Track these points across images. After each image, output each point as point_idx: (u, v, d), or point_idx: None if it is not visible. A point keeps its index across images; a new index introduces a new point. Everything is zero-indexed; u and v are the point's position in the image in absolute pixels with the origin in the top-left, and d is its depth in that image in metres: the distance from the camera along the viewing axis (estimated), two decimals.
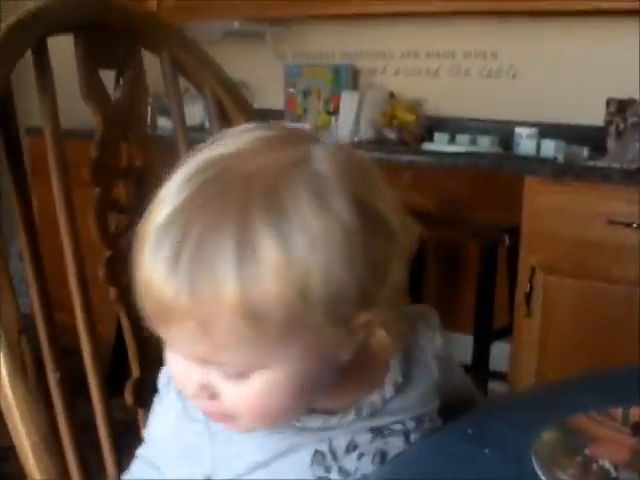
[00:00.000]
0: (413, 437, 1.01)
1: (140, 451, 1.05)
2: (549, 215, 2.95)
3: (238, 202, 0.80)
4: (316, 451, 0.98)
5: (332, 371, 0.92)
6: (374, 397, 0.99)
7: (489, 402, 1.31)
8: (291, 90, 4.12)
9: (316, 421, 0.97)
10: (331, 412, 0.98)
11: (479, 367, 3.25)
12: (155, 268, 0.81)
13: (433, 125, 3.80)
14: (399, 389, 1.00)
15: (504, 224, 3.22)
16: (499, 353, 3.34)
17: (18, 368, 1.02)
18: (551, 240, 2.95)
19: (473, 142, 3.59)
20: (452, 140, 3.64)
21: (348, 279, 0.82)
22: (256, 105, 3.33)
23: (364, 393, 0.99)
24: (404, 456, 0.96)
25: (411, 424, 1.01)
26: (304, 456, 0.98)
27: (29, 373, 1.03)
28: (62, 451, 1.09)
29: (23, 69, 1.14)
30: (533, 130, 3.49)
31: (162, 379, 1.03)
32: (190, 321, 0.81)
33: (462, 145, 3.55)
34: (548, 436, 0.93)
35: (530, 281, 2.99)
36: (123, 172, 1.23)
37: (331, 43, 4.13)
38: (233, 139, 0.88)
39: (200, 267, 0.80)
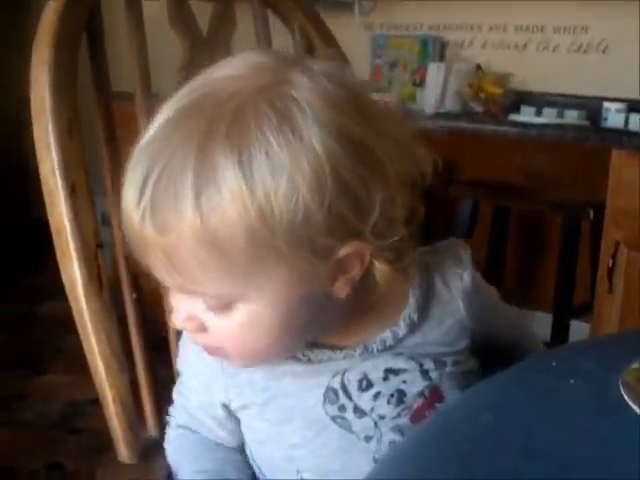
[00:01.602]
0: (433, 375, 0.99)
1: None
2: (635, 190, 2.88)
3: (203, 128, 0.80)
4: (328, 388, 0.97)
5: (330, 308, 0.91)
6: (386, 334, 0.98)
7: (573, 342, 1.27)
8: (377, 61, 4.09)
9: (321, 355, 0.97)
10: (338, 348, 0.97)
11: (558, 345, 3.20)
12: (128, 195, 0.83)
13: (520, 99, 3.74)
14: (415, 327, 0.99)
15: (589, 198, 3.15)
16: (578, 331, 3.29)
17: (94, 281, 1.03)
18: (636, 215, 2.89)
19: (560, 115, 3.53)
20: (539, 113, 3.59)
21: (317, 207, 0.80)
22: None
23: (377, 330, 0.98)
24: (481, 385, 0.93)
25: (429, 364, 0.99)
26: (315, 391, 0.98)
27: (104, 287, 1.04)
28: (133, 369, 1.11)
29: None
30: (622, 105, 3.43)
31: None
32: (158, 251, 0.82)
33: (548, 117, 3.49)
34: (638, 365, 0.91)
35: (613, 257, 2.93)
36: None
37: (418, 15, 4.08)
38: (229, 64, 0.88)
39: (161, 195, 0.80)
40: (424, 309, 1.00)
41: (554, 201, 3.35)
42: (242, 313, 0.86)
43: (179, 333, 1.04)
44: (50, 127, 1.01)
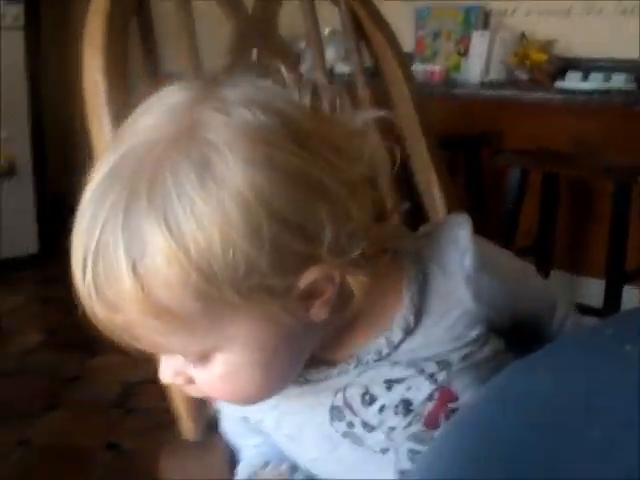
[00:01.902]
0: (440, 377, 0.93)
1: None
2: None
3: (125, 198, 0.76)
4: (332, 407, 0.94)
5: (313, 334, 0.88)
6: (380, 342, 0.92)
7: (626, 309, 1.25)
8: (421, 32, 4.07)
9: (317, 374, 0.94)
10: (332, 363, 0.93)
11: (610, 312, 3.19)
12: (75, 271, 0.80)
13: (565, 65, 3.71)
14: (413, 328, 0.92)
15: (638, 163, 3.12)
16: (631, 298, 3.27)
17: None
18: None
19: (607, 80, 3.49)
20: (585, 79, 3.55)
21: (257, 253, 0.76)
22: None
23: (371, 338, 0.92)
24: (535, 354, 0.93)
25: (431, 367, 0.93)
26: (320, 409, 0.95)
27: None
28: None
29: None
30: None
31: None
32: (115, 327, 0.80)
33: (595, 83, 3.45)
34: None
35: None
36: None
37: None
38: (148, 108, 0.83)
39: (101, 276, 0.77)
40: (423, 306, 0.92)
41: (603, 167, 3.32)
42: (220, 364, 0.84)
43: None
44: (104, 110, 1.02)
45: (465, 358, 0.93)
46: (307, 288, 0.81)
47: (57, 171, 5.35)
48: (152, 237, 0.75)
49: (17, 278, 4.43)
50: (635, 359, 0.86)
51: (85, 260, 0.78)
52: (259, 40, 1.23)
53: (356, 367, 0.92)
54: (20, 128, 4.46)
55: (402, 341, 0.92)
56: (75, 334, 3.61)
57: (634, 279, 3.28)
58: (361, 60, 1.43)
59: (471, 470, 0.67)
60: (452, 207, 1.42)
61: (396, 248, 0.93)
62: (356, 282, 0.84)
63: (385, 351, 0.92)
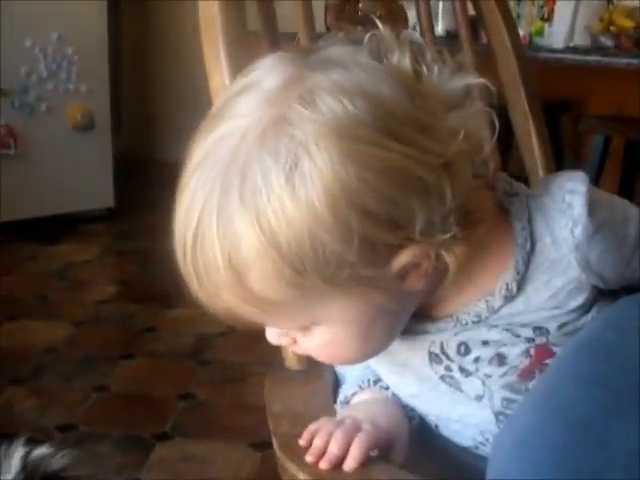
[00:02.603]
0: (538, 340, 0.93)
1: None
2: None
3: (218, 194, 0.79)
4: (430, 352, 0.96)
5: (409, 302, 0.90)
6: (480, 305, 0.92)
7: None
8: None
9: (415, 326, 0.95)
10: (431, 319, 0.95)
11: None
12: (177, 255, 0.84)
13: None
14: (515, 295, 0.92)
15: None
16: None
17: None
18: None
19: None
20: None
21: (347, 249, 0.78)
22: None
23: (471, 299, 0.93)
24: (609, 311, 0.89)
25: (527, 333, 0.93)
26: (419, 352, 0.97)
27: None
28: None
29: None
30: None
31: None
32: (217, 306, 0.85)
33: None
34: None
35: None
36: (360, 19, 1.23)
37: None
38: (242, 90, 0.84)
39: (199, 263, 0.81)
40: (527, 273, 0.91)
41: None
42: (319, 334, 0.88)
43: None
44: (220, 40, 1.02)
45: (562, 327, 0.93)
46: (401, 268, 0.83)
47: (133, 127, 5.41)
48: (245, 234, 0.78)
49: (93, 231, 4.50)
50: None
51: (185, 247, 0.82)
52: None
53: (454, 327, 0.94)
54: (99, 83, 4.50)
55: (502, 306, 0.92)
56: (149, 287, 3.69)
57: None
58: (466, 13, 1.42)
59: (599, 391, 0.66)
60: (548, 159, 1.41)
61: (507, 208, 0.93)
62: (453, 254, 0.84)
63: (484, 315, 0.92)
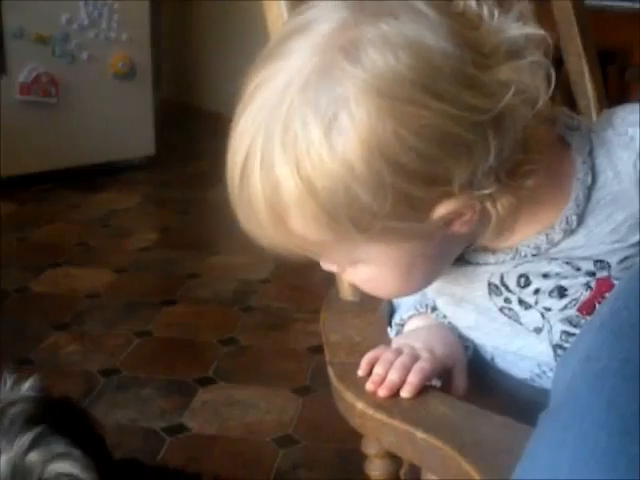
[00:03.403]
0: (599, 273, 0.93)
1: None
2: None
3: (261, 141, 0.82)
4: (489, 283, 0.96)
5: (457, 242, 0.91)
6: (540, 238, 0.93)
7: None
8: None
9: (475, 256, 0.96)
10: (491, 251, 0.95)
11: None
12: (228, 189, 0.87)
13: None
14: (575, 228, 0.92)
15: None
16: None
17: None
18: None
19: None
20: None
21: (380, 202, 0.80)
22: None
23: (532, 231, 0.93)
24: None
25: (588, 266, 0.93)
26: (479, 283, 0.97)
27: None
28: None
29: None
30: None
31: None
32: (261, 240, 0.87)
33: None
34: None
35: None
36: None
37: None
38: (292, 32, 0.85)
39: (245, 201, 0.84)
40: (588, 207, 0.92)
41: None
42: (363, 272, 0.90)
43: None
44: None
45: (623, 261, 0.93)
46: (440, 218, 0.84)
47: (175, 76, 5.41)
48: (285, 180, 0.81)
49: (134, 179, 4.52)
50: None
51: (233, 183, 0.85)
52: None
53: (513, 259, 0.94)
54: (140, 32, 4.49)
55: (562, 239, 0.92)
56: (191, 234, 3.71)
57: None
58: None
59: None
60: (602, 100, 1.40)
61: (568, 142, 0.93)
62: (499, 205, 0.86)
63: (544, 247, 0.93)
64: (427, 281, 0.96)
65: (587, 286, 0.94)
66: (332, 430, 2.16)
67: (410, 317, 1.03)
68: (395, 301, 1.10)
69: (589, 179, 0.92)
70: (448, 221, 0.85)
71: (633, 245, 0.93)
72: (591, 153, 0.93)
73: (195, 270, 3.33)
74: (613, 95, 3.56)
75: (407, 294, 1.00)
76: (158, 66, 4.97)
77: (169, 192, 4.33)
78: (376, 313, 1.07)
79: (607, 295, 0.91)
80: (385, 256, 0.87)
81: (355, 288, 1.06)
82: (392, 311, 1.09)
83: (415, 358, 0.93)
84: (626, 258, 0.93)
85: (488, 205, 0.85)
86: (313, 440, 2.22)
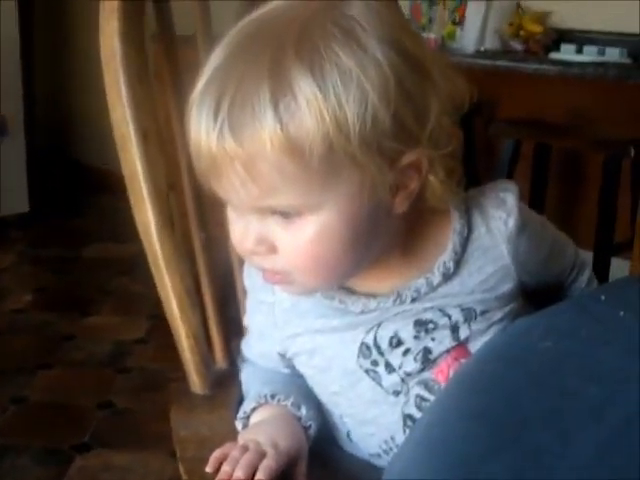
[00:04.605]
0: (462, 333, 1.01)
1: None
2: None
3: (272, 47, 0.86)
4: (362, 343, 1.01)
5: (388, 227, 0.95)
6: (420, 281, 1.00)
7: (620, 278, 1.28)
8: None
9: (357, 304, 1.00)
10: (372, 296, 1.00)
11: (599, 283, 3.20)
12: (200, 121, 0.87)
13: (560, 37, 3.71)
14: (451, 275, 1.00)
15: (630, 136, 3.13)
16: (619, 269, 3.30)
17: (167, 223, 1.07)
18: None
19: (601, 53, 3.49)
20: (579, 51, 3.56)
21: (384, 112, 0.86)
22: None
23: (411, 277, 1.00)
24: (537, 314, 0.96)
25: (457, 315, 1.01)
26: (351, 345, 1.02)
27: (176, 229, 1.08)
28: (203, 306, 1.15)
29: None
30: None
31: (245, 280, 1.10)
32: (237, 164, 0.86)
33: (590, 55, 3.47)
34: None
35: None
36: None
37: None
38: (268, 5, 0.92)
39: (239, 109, 0.85)
40: (463, 256, 1.01)
41: (595, 139, 3.34)
42: (314, 226, 0.90)
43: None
44: (121, 75, 1.04)
45: (485, 313, 1.01)
46: (404, 169, 0.90)
47: (49, 129, 5.34)
48: (297, 80, 0.84)
49: (7, 238, 4.42)
50: (628, 323, 0.89)
51: (220, 99, 0.86)
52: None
53: (394, 302, 1.00)
54: (12, 87, 4.42)
55: (440, 285, 1.00)
56: (67, 294, 3.66)
57: (622, 251, 3.31)
58: None
59: (477, 425, 0.70)
60: None
61: (450, 203, 1.01)
62: (432, 186, 0.94)
63: (424, 290, 1.00)
64: (356, 262, 0.97)
65: (448, 351, 1.01)
66: None
67: (253, 410, 1.05)
68: (244, 390, 1.12)
69: (465, 231, 1.01)
70: (397, 189, 0.91)
71: (498, 298, 1.02)
72: (467, 211, 1.02)
73: (70, 332, 3.28)
74: (480, 146, 3.66)
75: (343, 270, 0.98)
76: (32, 118, 4.89)
77: (44, 250, 4.26)
78: (226, 407, 1.09)
79: (462, 361, 1.00)
80: (348, 203, 0.89)
81: (205, 380, 1.09)
82: (242, 402, 1.11)
83: (261, 454, 0.95)
84: (487, 311, 1.02)
85: (430, 178, 0.93)
86: None
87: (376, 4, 0.90)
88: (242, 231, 0.93)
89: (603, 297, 0.97)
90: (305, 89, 0.84)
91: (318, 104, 0.84)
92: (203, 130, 0.87)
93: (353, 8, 0.89)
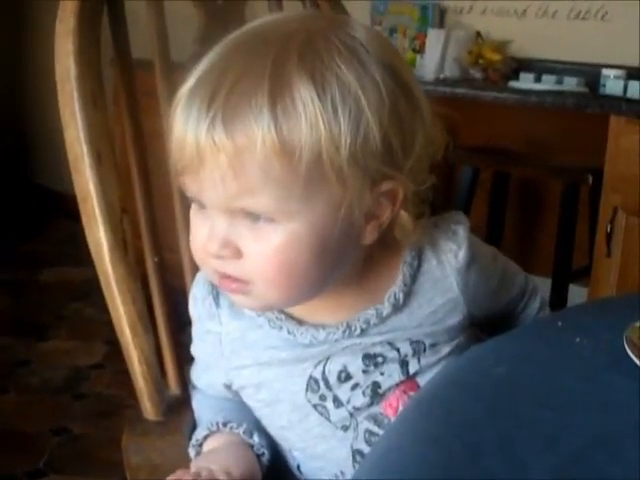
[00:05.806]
0: (412, 368, 1.00)
1: None
2: (633, 156, 2.90)
3: (277, 48, 0.86)
4: (310, 377, 1.00)
5: (352, 252, 0.94)
6: (370, 312, 0.99)
7: (576, 304, 1.29)
8: (377, 27, 4.09)
9: (305, 335, 0.99)
10: (323, 326, 0.99)
11: (557, 309, 3.23)
12: (190, 113, 0.86)
13: (519, 66, 3.75)
14: (400, 306, 1.00)
15: (587, 164, 3.17)
16: (577, 295, 3.32)
17: (120, 245, 1.06)
18: (634, 181, 2.90)
19: (559, 82, 3.54)
20: (538, 80, 3.60)
21: (376, 132, 0.86)
22: None
23: (361, 308, 0.99)
24: (492, 340, 0.96)
25: (406, 348, 1.00)
26: (298, 379, 1.01)
27: (129, 251, 1.07)
28: (156, 330, 1.14)
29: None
30: (620, 72, 3.43)
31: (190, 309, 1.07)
32: (222, 157, 0.84)
33: (548, 84, 3.50)
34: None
35: (611, 222, 2.96)
36: None
37: None
38: (278, 15, 0.97)
39: (235, 102, 0.84)
40: (413, 287, 1.01)
41: (553, 167, 3.37)
42: (282, 234, 0.88)
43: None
44: (75, 96, 1.03)
45: (434, 346, 1.01)
46: (382, 195, 0.90)
47: (3, 153, 5.29)
48: (300, 85, 0.84)
49: None
50: (584, 350, 0.90)
51: (216, 90, 0.85)
52: (226, 30, 1.25)
53: (343, 333, 0.98)
54: None
55: (389, 316, 0.99)
56: (22, 319, 3.62)
57: (580, 278, 3.34)
58: None
59: (432, 452, 0.69)
60: None
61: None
62: (402, 220, 0.94)
63: (373, 321, 0.99)
64: (318, 282, 0.94)
65: (397, 385, 1.00)
66: None
67: (206, 437, 1.04)
68: (197, 417, 1.10)
69: (415, 263, 1.01)
70: (370, 217, 0.91)
71: (446, 330, 1.02)
72: (419, 243, 1.01)
73: (25, 357, 3.25)
74: (439, 174, 3.68)
75: (305, 287, 0.94)
76: None
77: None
78: (179, 434, 1.08)
79: (411, 394, 0.99)
80: (322, 217, 0.88)
81: (158, 407, 1.08)
82: (194, 430, 1.10)
83: None
84: (436, 344, 1.01)
85: (402, 215, 0.93)
86: None
87: (377, 32, 0.94)
88: (207, 233, 0.91)
89: (560, 323, 0.98)
90: (304, 94, 0.84)
91: (315, 111, 0.84)
92: (192, 121, 0.86)
93: (357, 31, 0.90)
